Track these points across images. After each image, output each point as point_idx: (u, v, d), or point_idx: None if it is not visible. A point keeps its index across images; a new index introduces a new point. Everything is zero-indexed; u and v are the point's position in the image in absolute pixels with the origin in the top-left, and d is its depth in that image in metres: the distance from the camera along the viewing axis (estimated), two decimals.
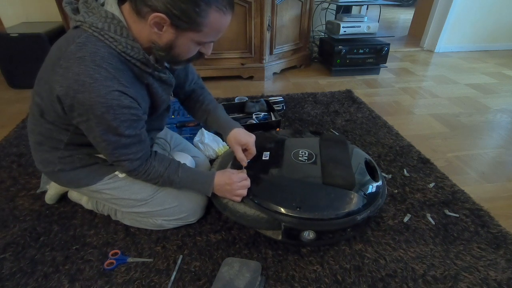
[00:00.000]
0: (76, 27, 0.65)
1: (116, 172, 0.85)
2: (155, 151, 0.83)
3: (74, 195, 1.01)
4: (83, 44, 0.62)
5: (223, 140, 0.97)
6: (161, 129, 0.96)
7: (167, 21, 0.61)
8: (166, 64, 0.78)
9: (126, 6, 0.64)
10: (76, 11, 0.66)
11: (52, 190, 1.01)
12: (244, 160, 0.91)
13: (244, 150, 0.92)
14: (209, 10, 0.61)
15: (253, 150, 0.92)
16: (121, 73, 0.64)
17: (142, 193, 0.86)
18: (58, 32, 1.98)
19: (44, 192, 1.06)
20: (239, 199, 0.85)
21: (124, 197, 0.86)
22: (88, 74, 0.60)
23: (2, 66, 1.89)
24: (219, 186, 0.86)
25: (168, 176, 0.82)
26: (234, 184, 0.84)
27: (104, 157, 0.81)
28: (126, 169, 0.77)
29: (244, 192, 0.85)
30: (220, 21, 0.64)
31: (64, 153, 0.79)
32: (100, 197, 0.88)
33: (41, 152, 0.81)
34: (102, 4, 0.65)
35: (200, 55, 0.74)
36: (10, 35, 1.79)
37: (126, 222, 0.95)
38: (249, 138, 0.91)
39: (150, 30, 0.63)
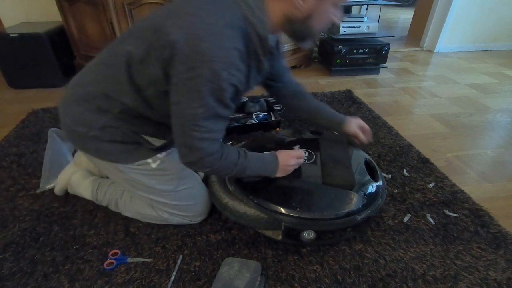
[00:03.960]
0: None
1: (149, 160, 0.82)
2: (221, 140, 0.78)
3: (74, 187, 1.01)
4: (220, 1, 0.62)
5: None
6: None
7: None
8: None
9: None
10: None
11: (58, 186, 1.01)
12: (364, 138, 1.01)
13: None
14: None
15: (368, 127, 1.02)
16: (241, 41, 0.63)
17: (168, 186, 0.86)
18: (58, 32, 1.98)
19: (44, 192, 1.06)
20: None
21: (149, 185, 0.84)
22: (218, 26, 0.59)
23: (2, 66, 1.89)
24: (282, 163, 0.85)
25: (242, 163, 0.77)
26: (293, 159, 0.85)
27: (148, 139, 0.79)
28: (202, 153, 0.68)
29: (296, 166, 0.87)
30: None
31: (111, 121, 0.74)
32: (119, 175, 0.84)
33: (83, 109, 0.74)
34: None
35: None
36: (10, 35, 1.79)
37: (128, 214, 0.95)
38: (361, 121, 1.02)
39: (288, 3, 0.63)
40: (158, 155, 0.83)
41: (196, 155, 0.69)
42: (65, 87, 1.98)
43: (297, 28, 0.68)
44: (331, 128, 1.04)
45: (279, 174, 0.86)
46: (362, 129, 1.01)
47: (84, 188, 0.99)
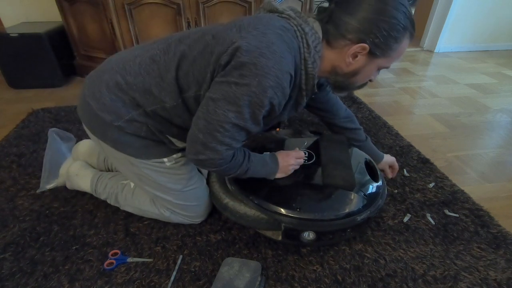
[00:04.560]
0: (281, 17, 0.68)
1: (165, 159, 0.82)
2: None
3: (72, 178, 1.01)
4: (287, 29, 0.65)
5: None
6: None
7: (367, 50, 0.64)
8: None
9: None
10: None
11: (61, 178, 1.03)
12: (389, 175, 1.11)
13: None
14: (404, 35, 0.64)
15: (396, 165, 1.11)
16: (293, 70, 0.66)
17: (177, 185, 0.86)
18: (58, 32, 1.98)
19: (44, 192, 1.06)
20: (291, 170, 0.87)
21: (159, 182, 0.84)
22: (281, 49, 0.62)
23: (2, 66, 1.89)
24: (282, 164, 0.86)
25: (246, 164, 0.77)
26: (293, 159, 0.86)
27: (171, 140, 0.80)
28: (217, 155, 0.68)
29: (296, 166, 0.88)
30: (406, 45, 0.67)
31: (140, 116, 0.74)
32: (130, 168, 0.83)
33: (115, 98, 0.73)
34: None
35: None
36: (10, 35, 1.79)
37: (127, 209, 0.95)
38: (393, 159, 1.12)
39: (339, 58, 0.67)
40: (174, 155, 0.83)
41: (210, 155, 0.68)
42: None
43: (339, 80, 0.72)
44: None
45: (279, 175, 0.86)
46: (391, 165, 1.11)
47: (83, 178, 0.99)
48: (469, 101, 1.89)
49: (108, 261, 0.83)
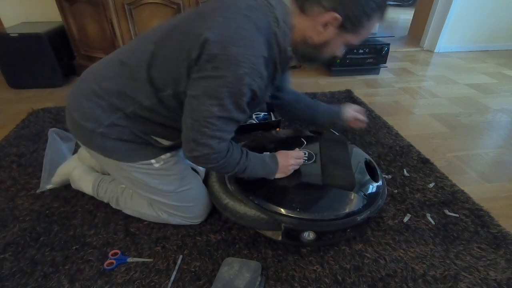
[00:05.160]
0: None
1: (153, 161, 0.82)
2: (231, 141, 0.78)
3: (75, 181, 1.01)
4: (253, 8, 0.64)
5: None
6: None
7: (338, 21, 0.63)
8: None
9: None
10: None
11: (57, 177, 1.02)
12: (362, 118, 1.08)
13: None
14: (376, 13, 0.64)
15: (362, 108, 1.10)
16: (266, 48, 0.65)
17: (170, 186, 0.86)
18: (58, 32, 1.98)
19: (44, 192, 1.06)
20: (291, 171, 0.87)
21: (151, 185, 0.84)
22: (250, 32, 0.61)
23: (2, 66, 1.89)
24: (281, 164, 0.86)
25: (244, 163, 0.77)
26: (292, 159, 0.86)
27: (157, 139, 0.79)
28: (210, 150, 0.68)
29: (296, 166, 0.88)
30: (375, 25, 0.67)
31: (121, 120, 0.74)
32: (121, 173, 0.84)
33: (93, 105, 0.73)
34: None
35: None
36: (10, 35, 1.79)
37: (128, 212, 0.95)
38: (353, 105, 1.10)
39: (310, 26, 0.66)
40: (162, 156, 0.83)
41: (203, 151, 0.69)
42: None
43: (308, 51, 0.71)
44: (332, 120, 1.07)
45: (278, 175, 0.86)
46: (357, 112, 1.09)
47: (85, 183, 0.99)
48: (469, 101, 1.89)
49: (108, 261, 0.83)
